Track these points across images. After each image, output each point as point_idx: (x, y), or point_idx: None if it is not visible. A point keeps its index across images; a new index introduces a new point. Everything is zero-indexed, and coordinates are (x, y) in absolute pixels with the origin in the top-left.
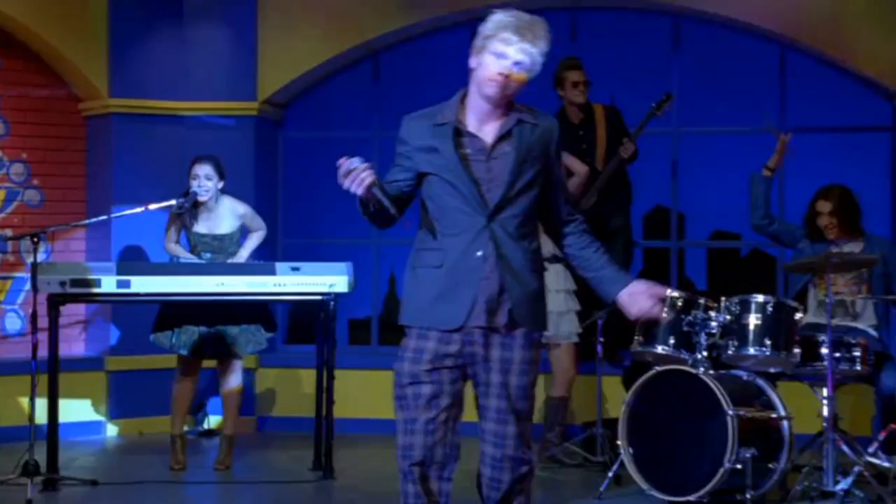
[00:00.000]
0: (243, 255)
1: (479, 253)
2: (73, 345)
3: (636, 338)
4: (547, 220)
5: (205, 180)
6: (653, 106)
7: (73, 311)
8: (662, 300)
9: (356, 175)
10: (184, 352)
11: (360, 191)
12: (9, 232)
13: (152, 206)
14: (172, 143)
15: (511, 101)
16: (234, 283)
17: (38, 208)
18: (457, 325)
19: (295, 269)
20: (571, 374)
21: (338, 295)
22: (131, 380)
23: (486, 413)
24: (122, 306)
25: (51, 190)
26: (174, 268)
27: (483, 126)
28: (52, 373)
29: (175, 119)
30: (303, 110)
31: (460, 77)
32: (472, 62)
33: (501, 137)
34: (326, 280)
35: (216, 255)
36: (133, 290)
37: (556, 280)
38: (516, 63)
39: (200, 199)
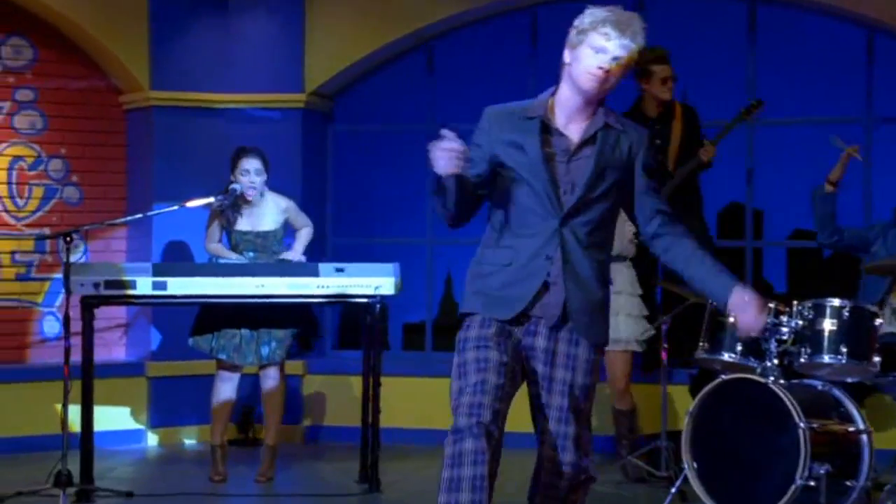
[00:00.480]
0: (298, 250)
1: (547, 256)
2: (114, 349)
3: (701, 344)
4: (639, 226)
5: (255, 176)
6: (741, 111)
7: (113, 315)
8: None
9: (451, 154)
10: (223, 356)
11: (448, 168)
12: (46, 230)
13: (190, 203)
14: (215, 138)
15: (602, 100)
16: (275, 285)
17: (77, 206)
18: (517, 311)
19: (339, 270)
20: (622, 385)
21: (384, 297)
22: (173, 386)
23: (548, 411)
24: (164, 309)
25: (90, 187)
26: (212, 268)
27: (570, 124)
28: (85, 378)
29: (218, 112)
30: (352, 102)
31: (518, 67)
32: (567, 56)
33: (585, 141)
34: (372, 281)
35: (259, 254)
36: (170, 291)
37: (617, 280)
38: (615, 58)
39: (248, 196)
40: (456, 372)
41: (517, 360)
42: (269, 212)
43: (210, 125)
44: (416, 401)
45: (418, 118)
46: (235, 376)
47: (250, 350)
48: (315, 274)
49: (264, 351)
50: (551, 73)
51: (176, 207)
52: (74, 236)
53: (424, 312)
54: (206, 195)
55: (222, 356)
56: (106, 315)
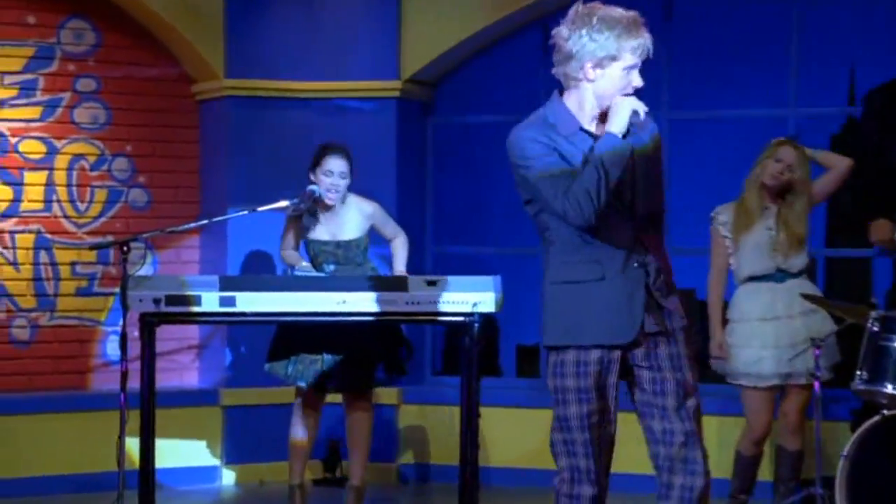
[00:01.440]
0: (400, 269)
1: (636, 262)
2: (186, 375)
3: (858, 373)
4: None
5: (338, 178)
6: None
7: (186, 335)
8: None
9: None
10: (302, 383)
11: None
12: (109, 238)
13: (262, 208)
14: (299, 132)
15: None
16: (358, 301)
17: (144, 211)
18: (629, 339)
19: (431, 284)
20: (796, 421)
21: (483, 315)
22: (252, 416)
23: (666, 413)
24: (240, 328)
25: (159, 189)
26: (287, 282)
27: (598, 129)
28: (144, 407)
29: (301, 103)
30: (456, 90)
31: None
32: (589, 73)
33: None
34: (469, 297)
35: (341, 267)
36: (239, 308)
37: (790, 302)
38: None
39: (328, 201)
40: (557, 424)
41: (615, 390)
42: (351, 218)
43: (292, 118)
44: (526, 435)
45: (533, 106)
46: (316, 407)
47: (333, 376)
48: (403, 288)
49: (349, 377)
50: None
51: (245, 212)
52: (133, 245)
53: (539, 333)
54: (288, 198)
55: (301, 383)
56: (177, 335)
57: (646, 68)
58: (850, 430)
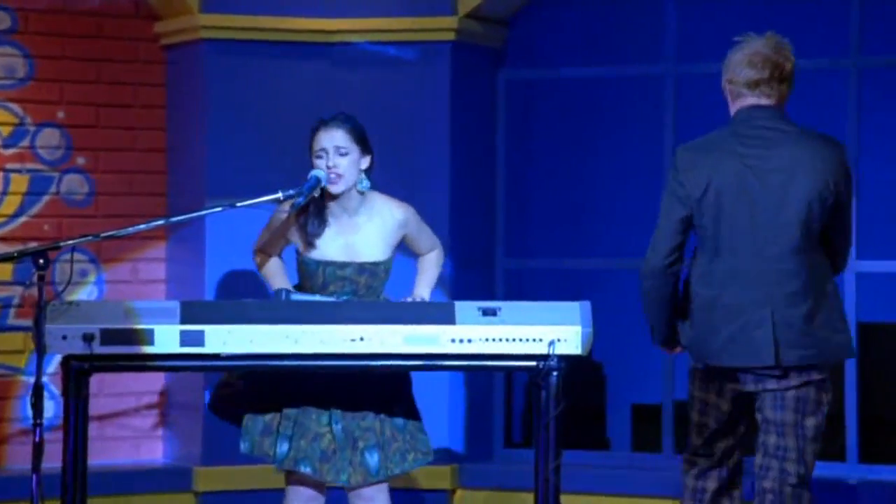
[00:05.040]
0: (423, 293)
1: None
2: (145, 447)
3: None
4: None
5: (337, 156)
6: None
7: (144, 387)
8: None
9: None
10: (306, 469)
11: None
12: (32, 245)
13: (249, 202)
14: (306, 91)
15: None
16: (381, 338)
17: (84, 206)
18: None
19: (489, 314)
20: None
21: (565, 359)
22: None
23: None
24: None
25: (105, 175)
26: (277, 310)
27: None
28: (67, 495)
29: (311, 50)
30: (538, 31)
31: None
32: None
33: None
34: (544, 332)
35: (362, 296)
36: (208, 348)
37: None
38: None
39: (333, 189)
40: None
41: None
42: (376, 229)
43: (297, 71)
44: None
45: (648, 56)
46: (320, 498)
47: (344, 459)
48: (450, 320)
49: (371, 460)
50: None
51: (219, 209)
52: (65, 257)
53: (661, 389)
54: (284, 188)
55: (304, 469)
56: (133, 389)
57: None
58: None
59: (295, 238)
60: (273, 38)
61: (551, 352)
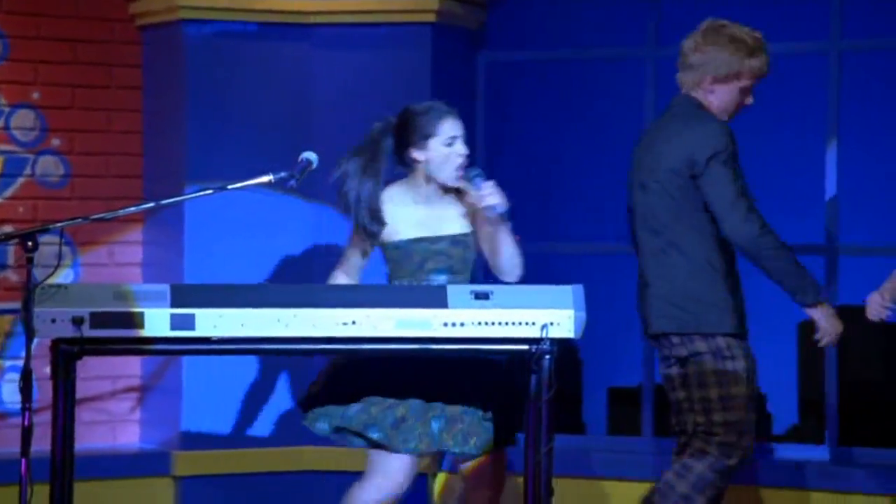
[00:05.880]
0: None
1: None
2: (121, 431)
3: None
4: None
5: (463, 145)
6: None
7: (121, 372)
8: None
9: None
10: (377, 435)
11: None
12: (7, 228)
13: (232, 186)
14: (288, 72)
15: None
16: (374, 322)
17: (59, 188)
18: None
19: (481, 297)
20: None
21: (557, 342)
22: (219, 491)
23: None
24: (203, 363)
25: (81, 157)
26: (268, 294)
27: None
28: (57, 480)
29: (293, 30)
30: (519, 14)
31: None
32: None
33: None
34: (535, 316)
35: (454, 276)
36: (199, 332)
37: None
38: None
39: (452, 181)
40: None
41: None
42: (450, 204)
43: (279, 53)
44: None
45: (628, 38)
46: (410, 471)
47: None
48: (442, 303)
49: (435, 426)
50: None
51: (210, 192)
52: (43, 240)
53: (640, 369)
54: (280, 169)
55: (375, 435)
56: (109, 373)
57: None
58: None
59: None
60: (252, 19)
61: (544, 335)
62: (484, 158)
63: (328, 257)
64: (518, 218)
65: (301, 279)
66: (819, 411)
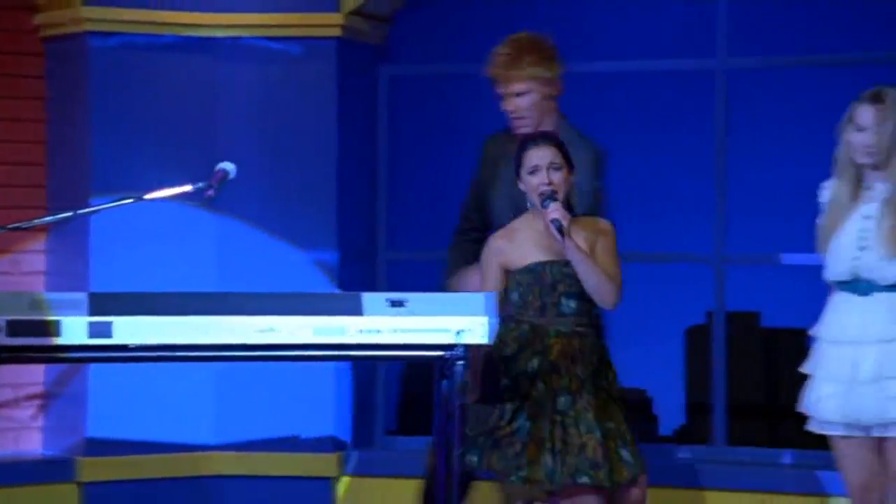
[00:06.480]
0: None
1: None
2: (24, 438)
3: None
4: None
5: (553, 172)
6: None
7: (22, 379)
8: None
9: None
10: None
11: None
12: None
13: (151, 196)
14: (193, 85)
15: None
16: (292, 330)
17: None
18: None
19: (396, 305)
20: None
21: (470, 348)
22: (124, 497)
23: None
24: (108, 369)
25: None
26: (187, 302)
27: None
28: None
29: (199, 43)
30: (421, 28)
31: None
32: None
33: None
34: (449, 322)
35: (579, 293)
36: (116, 339)
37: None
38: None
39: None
40: None
41: None
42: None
43: (184, 65)
44: None
45: None
46: None
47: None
48: (357, 311)
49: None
50: None
51: (130, 201)
52: None
53: None
54: (186, 180)
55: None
56: (9, 380)
57: None
58: None
59: (508, 256)
60: (157, 32)
61: (458, 341)
62: (385, 170)
63: (232, 267)
64: (419, 226)
65: (206, 289)
66: (706, 413)
